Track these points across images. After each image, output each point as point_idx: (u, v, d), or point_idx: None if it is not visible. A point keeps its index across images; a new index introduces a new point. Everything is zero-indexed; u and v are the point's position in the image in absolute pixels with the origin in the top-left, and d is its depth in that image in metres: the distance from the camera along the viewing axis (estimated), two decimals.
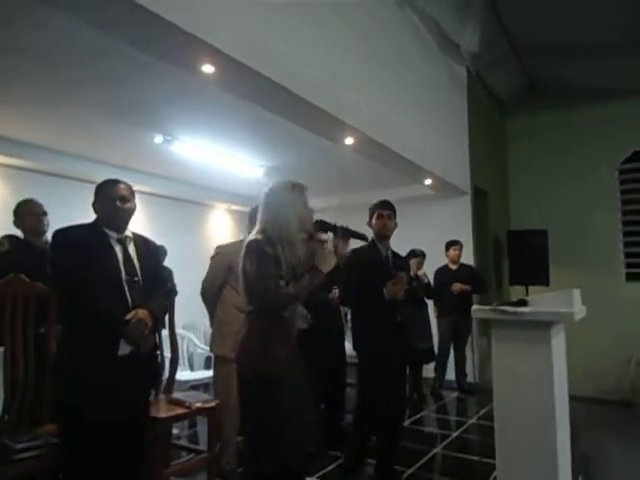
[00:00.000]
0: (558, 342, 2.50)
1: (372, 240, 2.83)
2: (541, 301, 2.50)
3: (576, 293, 2.46)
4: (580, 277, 5.71)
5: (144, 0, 1.92)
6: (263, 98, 3.01)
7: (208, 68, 2.51)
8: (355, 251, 2.79)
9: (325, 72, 3.19)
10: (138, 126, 4.03)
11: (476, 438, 3.68)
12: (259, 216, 1.96)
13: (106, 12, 1.99)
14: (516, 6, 4.90)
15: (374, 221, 2.81)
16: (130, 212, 2.10)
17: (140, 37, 2.23)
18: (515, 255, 5.94)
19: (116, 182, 2.09)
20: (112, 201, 2.02)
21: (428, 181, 5.21)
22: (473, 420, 4.11)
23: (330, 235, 2.05)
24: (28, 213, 2.89)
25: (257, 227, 1.94)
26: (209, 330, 3.14)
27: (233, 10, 2.42)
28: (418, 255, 4.53)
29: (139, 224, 5.45)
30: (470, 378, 5.33)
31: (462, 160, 5.71)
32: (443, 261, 5.25)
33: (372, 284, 2.64)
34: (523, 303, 2.46)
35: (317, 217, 2.10)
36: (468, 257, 5.68)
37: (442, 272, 5.11)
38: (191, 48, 2.28)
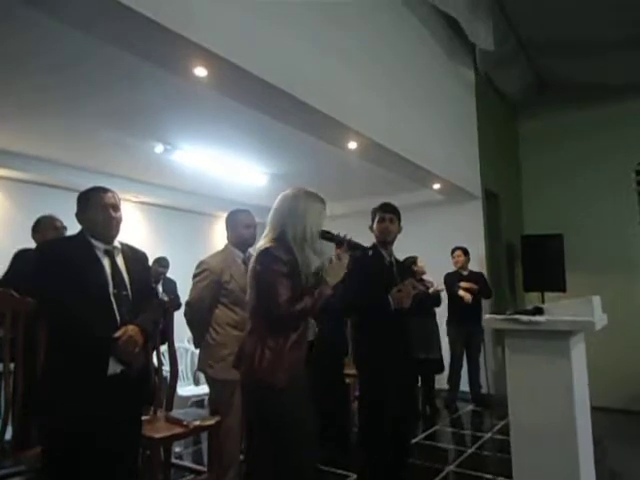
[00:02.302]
0: (578, 352, 2.34)
1: (374, 245, 2.69)
2: (558, 309, 2.35)
3: (596, 300, 2.30)
4: (598, 282, 5.48)
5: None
6: (260, 102, 2.91)
7: (200, 71, 2.41)
8: (356, 258, 2.65)
9: (325, 74, 3.09)
10: (137, 135, 3.97)
11: (492, 455, 3.49)
12: (274, 220, 1.85)
13: (90, 13, 1.91)
14: (523, 2, 4.77)
15: (375, 225, 2.66)
16: (120, 222, 1.99)
17: (126, 38, 2.13)
18: (529, 260, 5.74)
19: (105, 190, 1.97)
20: (104, 210, 1.91)
21: (437, 185, 5.07)
22: (489, 435, 3.92)
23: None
24: (50, 227, 2.90)
25: (269, 232, 1.84)
26: None
27: (226, 9, 2.33)
28: (414, 262, 4.32)
29: (142, 236, 5.41)
30: (485, 389, 5.13)
31: (472, 163, 5.56)
32: (454, 268, 5.10)
33: (376, 292, 2.49)
34: (538, 311, 2.31)
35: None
36: (480, 263, 5.51)
37: (452, 277, 4.95)
38: (181, 50, 2.19)
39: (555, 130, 6.48)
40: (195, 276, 2.65)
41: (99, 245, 1.90)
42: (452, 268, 5.10)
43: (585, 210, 6.13)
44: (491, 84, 6.20)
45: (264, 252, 1.76)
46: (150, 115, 3.58)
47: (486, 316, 2.50)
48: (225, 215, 2.87)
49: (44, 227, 2.91)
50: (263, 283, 1.74)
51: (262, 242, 1.82)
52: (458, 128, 5.35)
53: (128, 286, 1.91)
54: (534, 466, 2.17)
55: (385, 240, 2.64)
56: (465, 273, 5.03)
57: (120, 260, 1.94)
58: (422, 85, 4.59)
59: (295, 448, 1.73)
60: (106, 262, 1.89)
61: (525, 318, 2.23)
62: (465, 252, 5.08)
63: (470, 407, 4.87)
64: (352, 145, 3.69)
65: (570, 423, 2.12)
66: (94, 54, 2.61)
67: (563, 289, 5.46)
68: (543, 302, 5.09)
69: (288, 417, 1.72)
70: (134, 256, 2.03)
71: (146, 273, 2.13)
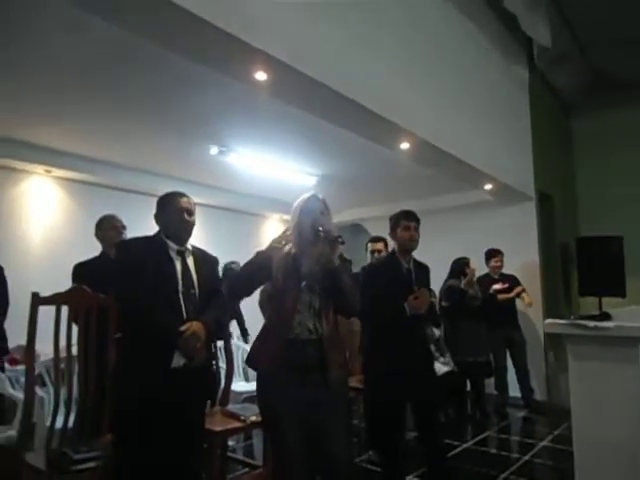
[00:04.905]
0: None
1: (392, 252, 2.69)
2: (624, 315, 2.26)
3: None
4: None
5: (196, 8, 1.91)
6: (315, 104, 2.95)
7: (261, 75, 2.48)
8: (373, 265, 2.61)
9: (379, 75, 3.09)
10: (194, 138, 4.11)
11: (549, 463, 3.37)
12: None
13: (160, 23, 2.01)
14: None
15: (399, 233, 2.59)
16: (193, 225, 2.12)
17: (191, 45, 2.22)
18: (585, 264, 5.45)
19: (181, 195, 2.12)
20: (179, 213, 2.05)
21: (488, 186, 4.94)
22: (544, 443, 3.79)
23: None
24: (110, 227, 3.08)
25: None
26: None
27: (285, 14, 2.39)
28: (467, 264, 4.38)
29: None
30: (538, 395, 4.96)
31: (525, 163, 5.38)
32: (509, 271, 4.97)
33: (393, 299, 2.45)
34: (606, 317, 2.22)
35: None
36: (534, 267, 5.34)
37: (484, 282, 4.79)
38: (244, 55, 2.26)
39: (613, 129, 6.20)
40: None
41: (173, 246, 2.03)
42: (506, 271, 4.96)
43: None
44: (545, 82, 5.99)
45: None
46: (206, 119, 3.69)
47: (547, 320, 2.43)
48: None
49: (106, 226, 3.10)
50: None
51: None
52: (511, 126, 5.20)
53: (196, 285, 2.02)
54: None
55: (411, 248, 2.59)
56: (496, 277, 4.90)
57: (190, 261, 2.06)
58: (475, 83, 4.49)
59: (268, 431, 1.93)
60: (178, 262, 2.01)
61: (591, 324, 2.16)
62: (502, 256, 4.95)
63: (522, 413, 4.72)
64: (404, 146, 3.67)
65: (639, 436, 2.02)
66: (153, 59, 2.71)
67: (623, 295, 5.17)
68: (600, 307, 4.85)
69: (259, 399, 1.87)
70: (204, 258, 2.15)
71: (214, 275, 2.25)
